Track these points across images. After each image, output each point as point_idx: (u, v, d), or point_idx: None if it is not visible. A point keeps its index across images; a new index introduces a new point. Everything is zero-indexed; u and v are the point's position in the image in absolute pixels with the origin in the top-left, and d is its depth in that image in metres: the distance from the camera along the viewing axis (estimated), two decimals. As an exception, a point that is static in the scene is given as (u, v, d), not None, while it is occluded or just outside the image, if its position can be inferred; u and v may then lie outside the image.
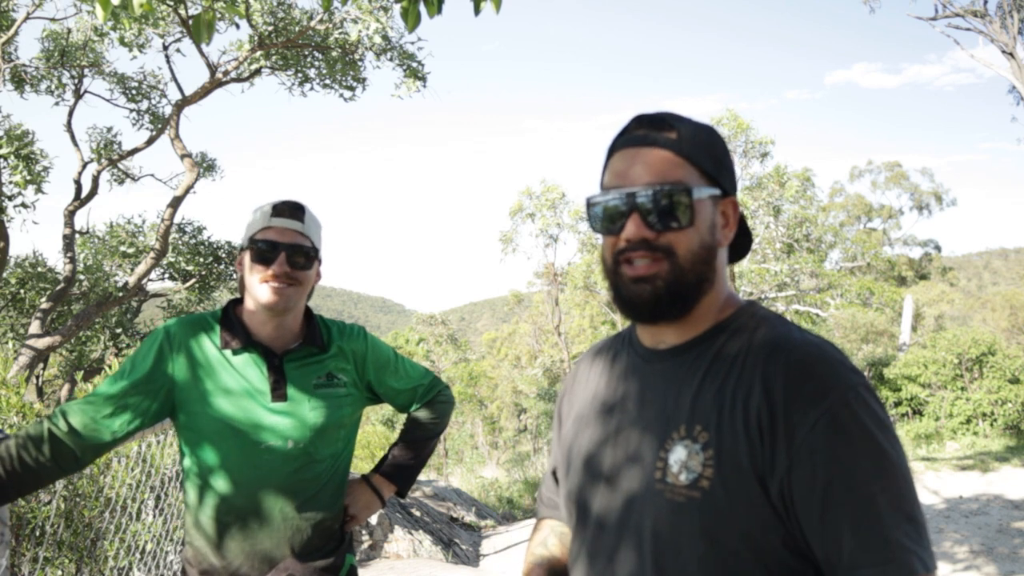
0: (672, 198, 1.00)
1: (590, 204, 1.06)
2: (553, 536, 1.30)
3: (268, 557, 1.67)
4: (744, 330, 1.02)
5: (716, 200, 1.04)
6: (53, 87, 10.29)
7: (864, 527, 0.88)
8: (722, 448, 0.94)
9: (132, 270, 10.64)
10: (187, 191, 9.71)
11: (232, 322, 1.69)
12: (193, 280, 11.32)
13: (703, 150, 1.03)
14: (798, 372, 0.93)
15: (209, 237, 11.63)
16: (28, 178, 8.28)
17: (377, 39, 8.87)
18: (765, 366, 0.95)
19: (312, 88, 10.07)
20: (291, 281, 1.66)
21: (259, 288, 1.65)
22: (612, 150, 1.08)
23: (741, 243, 1.13)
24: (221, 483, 1.65)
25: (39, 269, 10.47)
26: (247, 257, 1.68)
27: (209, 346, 1.66)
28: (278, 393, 1.66)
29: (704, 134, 1.05)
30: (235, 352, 1.66)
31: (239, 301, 1.76)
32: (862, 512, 0.88)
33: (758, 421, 0.93)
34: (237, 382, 1.65)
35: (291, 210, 1.68)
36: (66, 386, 11.13)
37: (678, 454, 0.98)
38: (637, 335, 1.14)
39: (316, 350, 1.73)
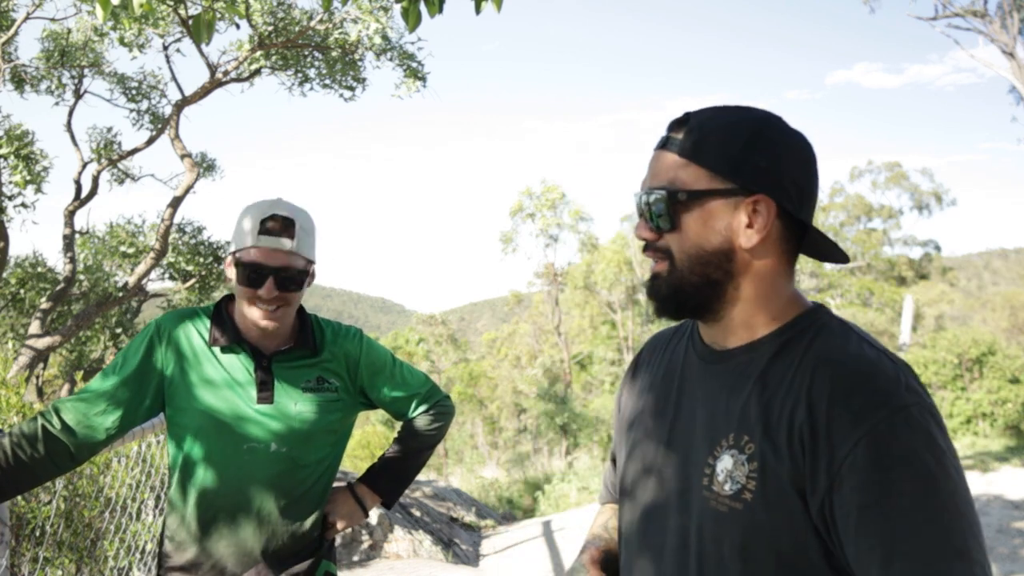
0: (658, 201, 1.00)
1: None
2: (614, 519, 1.29)
3: (243, 558, 1.65)
4: (802, 338, 0.98)
5: (732, 200, 0.97)
6: (53, 87, 10.28)
7: (898, 558, 0.82)
8: (766, 462, 0.92)
9: (132, 270, 10.64)
10: (187, 191, 9.70)
11: (223, 319, 1.66)
12: (193, 280, 11.31)
13: (714, 149, 0.97)
14: (845, 388, 0.89)
15: (209, 237, 11.62)
16: (28, 178, 8.30)
17: (377, 39, 8.87)
18: (812, 380, 0.91)
19: (312, 88, 10.07)
20: (281, 302, 1.61)
21: (247, 309, 1.61)
22: None
23: (818, 243, 1.04)
24: (203, 480, 1.63)
25: (39, 269, 10.46)
26: (233, 272, 1.62)
27: (198, 341, 1.64)
28: (264, 395, 1.62)
29: (723, 132, 0.98)
30: (223, 350, 1.64)
31: (232, 298, 1.72)
32: (897, 541, 0.82)
33: (800, 437, 0.90)
34: (223, 380, 1.62)
35: (281, 227, 1.58)
36: (66, 386, 11.13)
37: (725, 463, 0.96)
38: (698, 330, 1.11)
39: (308, 352, 1.69)
